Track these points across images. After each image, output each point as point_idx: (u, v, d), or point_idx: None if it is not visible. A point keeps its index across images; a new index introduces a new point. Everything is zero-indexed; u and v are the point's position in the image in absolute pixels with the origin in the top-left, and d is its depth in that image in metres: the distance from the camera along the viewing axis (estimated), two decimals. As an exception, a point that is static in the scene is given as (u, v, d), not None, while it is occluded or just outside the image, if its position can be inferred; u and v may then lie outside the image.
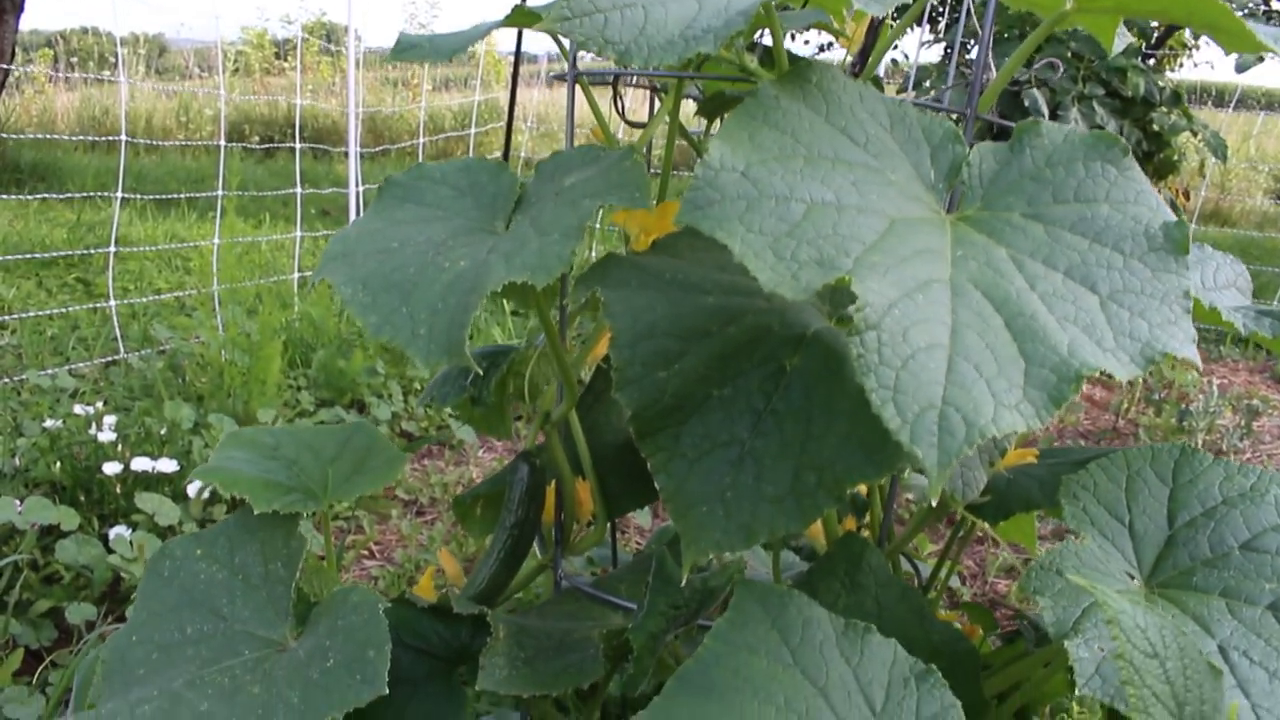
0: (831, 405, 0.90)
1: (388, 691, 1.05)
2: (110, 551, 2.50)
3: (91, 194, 6.64)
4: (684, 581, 0.97)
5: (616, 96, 1.54)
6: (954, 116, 1.37)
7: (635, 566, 1.41)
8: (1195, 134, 4.67)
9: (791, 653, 0.85)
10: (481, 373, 1.38)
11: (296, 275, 5.27)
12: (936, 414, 0.73)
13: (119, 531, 2.55)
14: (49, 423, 3.00)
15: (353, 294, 0.99)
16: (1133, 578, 1.03)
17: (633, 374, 0.93)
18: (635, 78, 1.60)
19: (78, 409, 3.11)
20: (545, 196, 1.09)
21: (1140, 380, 4.90)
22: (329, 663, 1.10)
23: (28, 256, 5.48)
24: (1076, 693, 0.85)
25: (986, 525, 2.36)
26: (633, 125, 1.61)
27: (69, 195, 6.89)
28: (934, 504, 0.66)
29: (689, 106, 1.48)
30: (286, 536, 1.24)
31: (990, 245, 0.89)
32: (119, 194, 4.42)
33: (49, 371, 3.81)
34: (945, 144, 0.99)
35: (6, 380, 3.76)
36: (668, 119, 1.36)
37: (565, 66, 1.37)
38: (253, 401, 3.53)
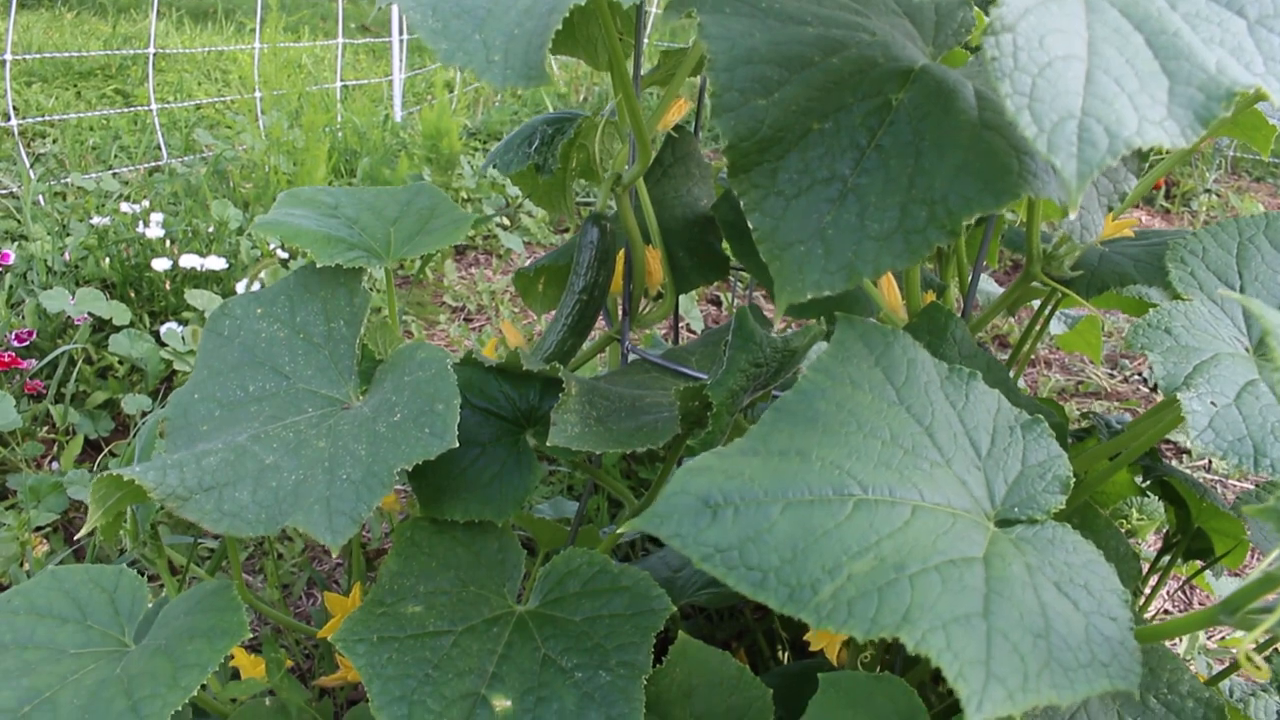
0: (943, 139, 0.84)
1: (457, 444, 1.02)
2: (162, 345, 2.50)
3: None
4: (775, 330, 0.93)
5: None
6: None
7: (706, 340, 1.36)
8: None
9: (896, 391, 0.81)
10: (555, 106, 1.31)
11: (339, 84, 5.15)
12: (1076, 124, 0.67)
13: (170, 326, 2.54)
14: (96, 220, 2.97)
15: (421, 19, 0.92)
16: (1243, 344, 0.98)
17: (730, 101, 0.86)
18: None
19: (124, 207, 3.08)
20: (627, -77, 1.01)
21: (1203, 210, 4.75)
22: (396, 417, 1.07)
23: (65, 55, 5.39)
24: (1190, 442, 0.81)
25: (1048, 338, 2.28)
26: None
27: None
28: (1070, 216, 0.60)
29: None
30: (349, 294, 1.20)
31: (1126, -34, 0.81)
32: (157, -8, 4.30)
33: (93, 175, 3.77)
34: None
35: (52, 182, 3.72)
36: None
37: None
38: (298, 206, 3.48)
